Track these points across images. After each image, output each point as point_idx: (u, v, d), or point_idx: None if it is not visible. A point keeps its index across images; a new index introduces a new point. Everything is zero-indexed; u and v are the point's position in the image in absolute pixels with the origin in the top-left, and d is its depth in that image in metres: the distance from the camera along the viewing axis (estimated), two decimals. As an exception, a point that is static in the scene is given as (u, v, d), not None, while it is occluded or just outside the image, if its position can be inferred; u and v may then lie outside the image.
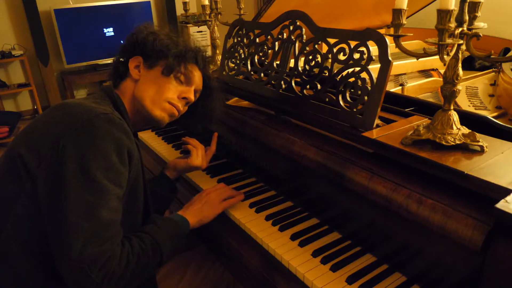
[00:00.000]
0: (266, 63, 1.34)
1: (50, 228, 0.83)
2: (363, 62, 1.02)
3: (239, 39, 1.45)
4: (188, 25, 4.81)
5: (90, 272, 0.79)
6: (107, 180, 0.84)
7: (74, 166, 0.82)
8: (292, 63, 1.24)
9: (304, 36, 1.21)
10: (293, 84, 1.23)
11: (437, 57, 0.79)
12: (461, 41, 0.81)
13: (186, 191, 1.37)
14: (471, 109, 1.38)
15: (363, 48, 1.03)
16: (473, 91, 1.52)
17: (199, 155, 1.29)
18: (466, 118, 0.96)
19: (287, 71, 1.25)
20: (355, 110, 1.03)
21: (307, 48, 1.20)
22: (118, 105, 1.01)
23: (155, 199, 1.16)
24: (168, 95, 1.07)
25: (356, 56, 1.04)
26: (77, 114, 0.88)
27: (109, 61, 4.61)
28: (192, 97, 1.13)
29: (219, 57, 1.66)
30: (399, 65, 1.71)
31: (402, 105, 1.17)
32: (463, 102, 1.43)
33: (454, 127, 0.87)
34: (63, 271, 0.81)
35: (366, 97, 1.00)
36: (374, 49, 1.00)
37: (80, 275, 0.79)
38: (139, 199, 1.01)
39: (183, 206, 1.14)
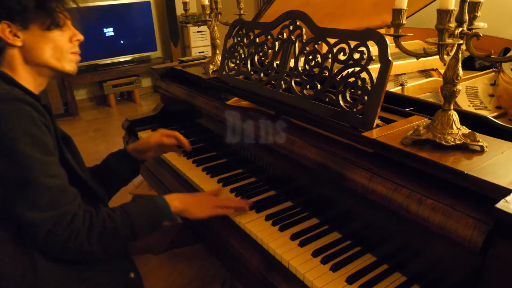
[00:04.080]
0: (266, 63, 1.34)
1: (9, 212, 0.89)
2: (363, 62, 1.02)
3: (239, 39, 1.45)
4: (188, 25, 4.81)
5: (56, 231, 0.87)
6: (38, 152, 0.88)
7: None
8: (292, 63, 1.24)
9: (304, 36, 1.21)
10: (293, 84, 1.22)
11: (437, 57, 0.79)
12: (461, 41, 0.81)
13: (185, 189, 1.38)
14: (471, 109, 1.38)
15: (363, 48, 1.03)
16: (473, 91, 1.52)
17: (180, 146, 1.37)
18: (466, 118, 0.96)
19: (287, 71, 1.25)
20: (355, 110, 1.03)
21: (307, 48, 1.20)
22: (14, 81, 0.97)
23: (115, 176, 1.27)
24: (67, 47, 1.04)
25: (356, 56, 1.04)
26: None
27: (109, 61, 4.61)
28: (81, 36, 1.08)
29: (219, 57, 1.66)
30: (399, 65, 1.71)
31: (402, 105, 1.17)
32: (463, 102, 1.43)
33: (454, 127, 0.87)
34: (32, 240, 0.89)
35: (366, 97, 1.00)
36: (374, 49, 1.00)
37: (48, 236, 0.87)
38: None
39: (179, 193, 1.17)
